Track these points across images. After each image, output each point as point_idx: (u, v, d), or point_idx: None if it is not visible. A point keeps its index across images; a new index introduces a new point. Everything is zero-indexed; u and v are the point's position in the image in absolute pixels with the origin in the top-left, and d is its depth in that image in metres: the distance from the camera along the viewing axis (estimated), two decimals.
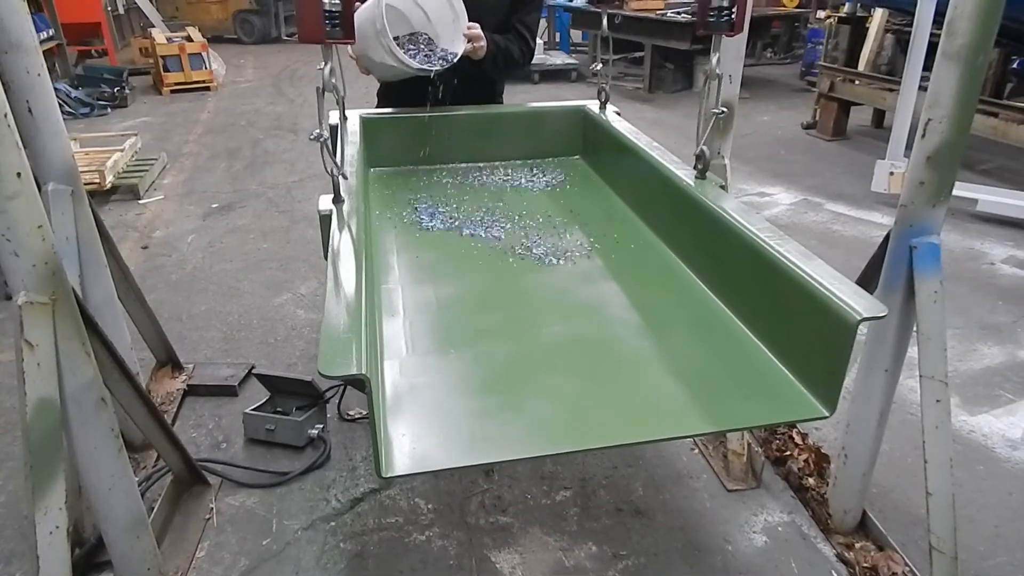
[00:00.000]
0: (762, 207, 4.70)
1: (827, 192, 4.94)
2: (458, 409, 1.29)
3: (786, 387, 1.32)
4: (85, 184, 4.67)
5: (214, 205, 4.74)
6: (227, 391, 2.70)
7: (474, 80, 2.46)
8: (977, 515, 2.15)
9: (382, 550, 2.04)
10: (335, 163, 1.56)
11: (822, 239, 4.19)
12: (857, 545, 1.98)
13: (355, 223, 1.50)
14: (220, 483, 2.27)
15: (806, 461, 2.24)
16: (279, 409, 2.50)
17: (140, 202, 4.77)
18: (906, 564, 1.87)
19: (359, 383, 1.02)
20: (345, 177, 1.65)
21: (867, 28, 6.60)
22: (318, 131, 1.45)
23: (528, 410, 1.31)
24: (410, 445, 1.16)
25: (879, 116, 6.38)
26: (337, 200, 1.59)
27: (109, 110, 7.21)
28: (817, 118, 6.35)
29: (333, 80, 1.51)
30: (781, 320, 1.40)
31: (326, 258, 1.41)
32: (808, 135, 6.35)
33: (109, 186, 4.67)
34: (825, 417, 1.24)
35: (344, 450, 2.43)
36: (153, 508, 2.03)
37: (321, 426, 2.45)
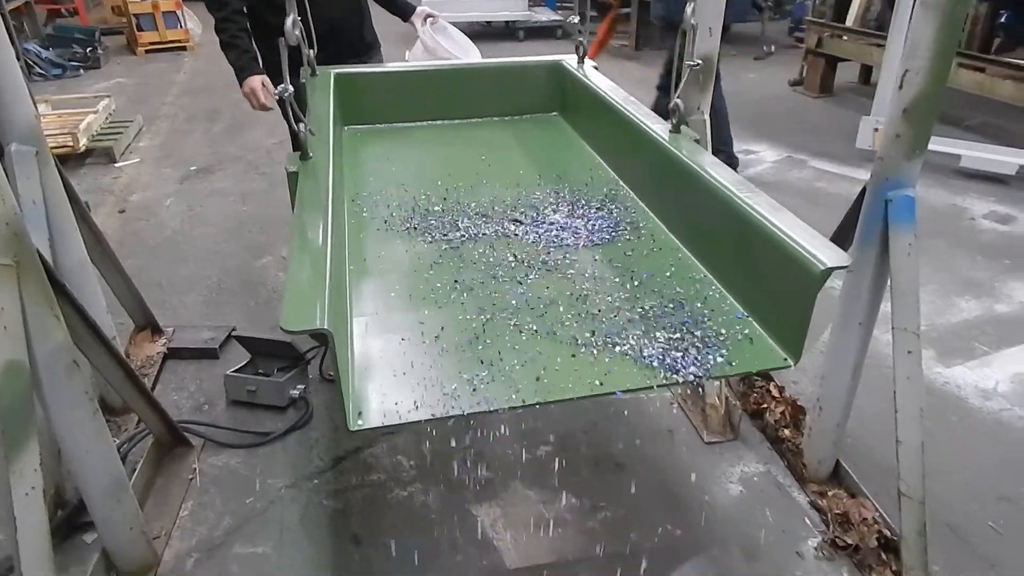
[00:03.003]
0: (746, 165, 4.68)
1: (812, 149, 4.91)
2: (429, 363, 1.30)
3: (753, 337, 1.33)
4: (58, 147, 4.56)
5: (192, 168, 4.66)
6: (208, 354, 2.69)
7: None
8: (948, 466, 2.20)
9: (365, 506, 2.07)
10: (303, 119, 1.53)
11: (806, 196, 4.19)
12: (830, 493, 2.03)
13: (322, 179, 1.48)
14: (203, 444, 2.28)
15: (782, 413, 2.28)
16: (261, 371, 2.51)
17: (116, 165, 4.68)
18: (876, 510, 1.92)
19: (323, 338, 1.02)
20: (312, 133, 1.62)
21: None
22: (283, 86, 1.42)
23: (499, 363, 1.31)
24: (380, 398, 1.17)
25: (866, 73, 6.31)
26: (304, 157, 1.56)
27: (81, 71, 7.02)
28: (804, 75, 6.28)
29: (297, 32, 1.47)
30: (749, 271, 1.40)
31: None
32: (795, 92, 6.29)
33: (83, 149, 4.57)
34: (789, 366, 1.25)
35: (327, 410, 2.44)
36: (135, 470, 2.04)
37: (303, 387, 2.45)
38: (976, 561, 1.89)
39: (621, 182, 2.04)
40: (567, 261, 1.67)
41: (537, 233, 1.79)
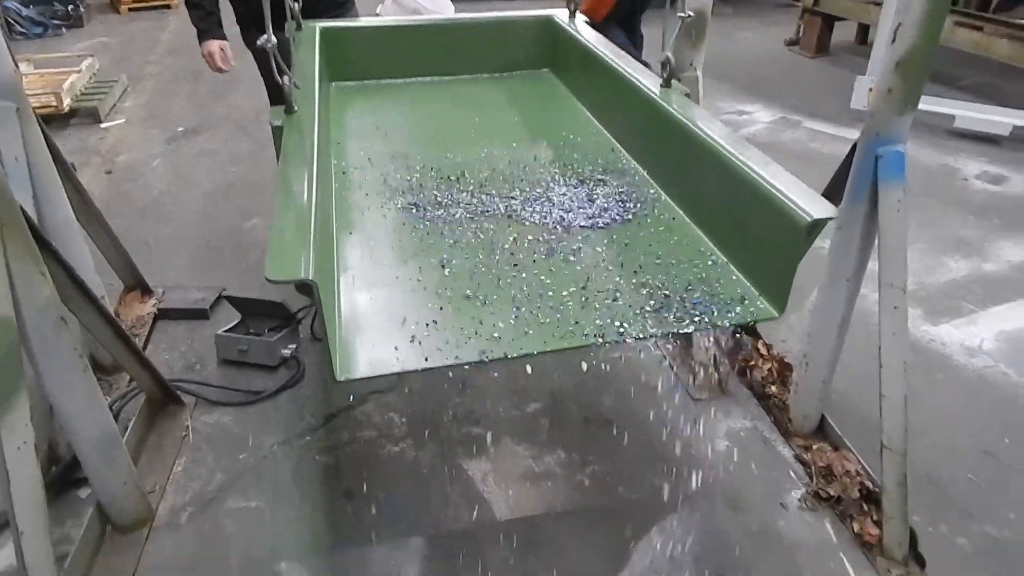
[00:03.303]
0: (740, 125, 4.64)
1: (806, 110, 4.87)
2: (415, 316, 1.30)
3: (739, 290, 1.34)
4: (41, 107, 4.45)
5: (179, 129, 4.59)
6: (198, 314, 2.69)
7: None
8: (931, 421, 2.23)
9: (357, 462, 2.09)
10: (287, 71, 1.50)
11: (800, 157, 4.17)
12: (815, 446, 2.07)
13: (307, 133, 1.46)
14: (195, 402, 2.30)
15: (770, 370, 2.31)
16: (252, 331, 2.51)
17: (101, 126, 4.59)
18: (859, 463, 1.96)
19: (308, 289, 1.02)
20: (297, 87, 1.60)
21: None
22: (265, 37, 1.39)
23: (486, 315, 1.32)
24: (366, 350, 1.17)
25: (863, 32, 6.22)
26: (289, 111, 1.54)
27: (64, 30, 6.83)
28: (801, 34, 6.19)
29: None
30: (737, 224, 1.40)
31: None
32: (791, 52, 6.21)
33: (67, 109, 4.48)
34: (774, 318, 1.26)
35: (318, 369, 2.45)
36: (128, 427, 2.05)
37: (294, 346, 2.46)
38: (955, 512, 1.94)
39: (613, 140, 2.02)
40: (563, 237, 1.62)
41: (534, 208, 1.74)
